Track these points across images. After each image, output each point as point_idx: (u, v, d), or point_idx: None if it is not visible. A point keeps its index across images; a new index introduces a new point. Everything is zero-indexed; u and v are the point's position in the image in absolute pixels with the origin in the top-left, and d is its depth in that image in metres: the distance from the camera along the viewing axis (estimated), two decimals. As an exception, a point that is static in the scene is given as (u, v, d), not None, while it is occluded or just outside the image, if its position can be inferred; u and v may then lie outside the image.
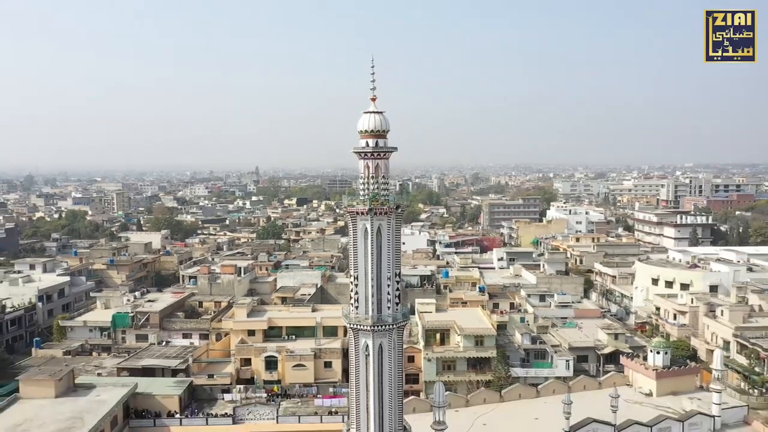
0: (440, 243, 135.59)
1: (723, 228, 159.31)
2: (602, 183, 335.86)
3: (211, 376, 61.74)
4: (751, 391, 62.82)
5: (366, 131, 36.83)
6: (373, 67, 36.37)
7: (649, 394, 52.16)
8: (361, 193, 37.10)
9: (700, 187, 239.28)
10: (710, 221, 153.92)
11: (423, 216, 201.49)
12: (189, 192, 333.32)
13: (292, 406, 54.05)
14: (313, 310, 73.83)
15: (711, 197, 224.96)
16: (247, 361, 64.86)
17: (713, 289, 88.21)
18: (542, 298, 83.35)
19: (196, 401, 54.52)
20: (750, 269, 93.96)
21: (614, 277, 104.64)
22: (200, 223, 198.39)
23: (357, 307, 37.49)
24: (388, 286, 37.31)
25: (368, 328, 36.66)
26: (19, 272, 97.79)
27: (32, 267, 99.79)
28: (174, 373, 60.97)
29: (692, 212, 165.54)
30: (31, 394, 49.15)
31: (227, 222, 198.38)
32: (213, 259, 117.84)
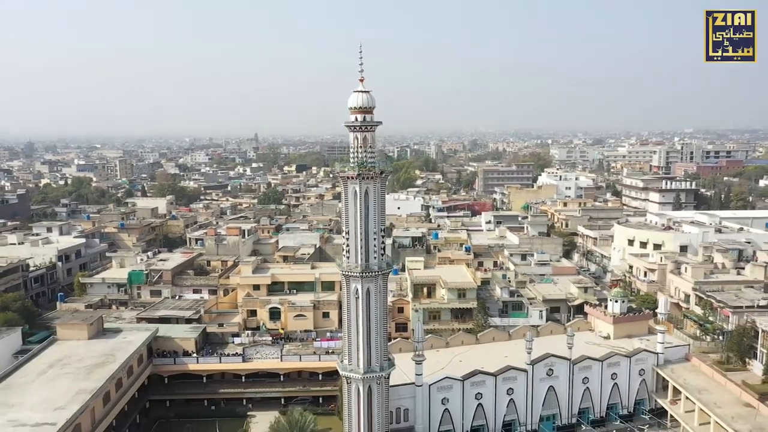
0: (433, 208, 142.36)
1: (708, 193, 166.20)
2: (598, 149, 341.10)
3: (221, 325, 69.40)
4: (704, 337, 70.54)
5: (355, 108, 43.51)
6: (361, 53, 42.92)
7: (607, 337, 59.61)
8: (351, 160, 43.91)
9: (692, 153, 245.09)
10: (693, 187, 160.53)
11: (419, 182, 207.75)
12: (190, 159, 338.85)
13: (294, 348, 61.69)
14: (312, 267, 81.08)
15: (701, 163, 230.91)
16: (253, 312, 72.48)
17: (683, 249, 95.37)
18: (523, 257, 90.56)
19: (209, 344, 62.13)
20: (719, 231, 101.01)
21: (595, 239, 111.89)
22: (203, 189, 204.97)
23: (348, 258, 44.71)
24: (374, 239, 44.43)
25: (358, 274, 43.93)
26: (37, 234, 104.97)
27: (49, 230, 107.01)
28: (188, 321, 68.46)
29: (677, 178, 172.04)
30: (67, 337, 56.71)
31: (229, 188, 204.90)
32: (217, 223, 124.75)
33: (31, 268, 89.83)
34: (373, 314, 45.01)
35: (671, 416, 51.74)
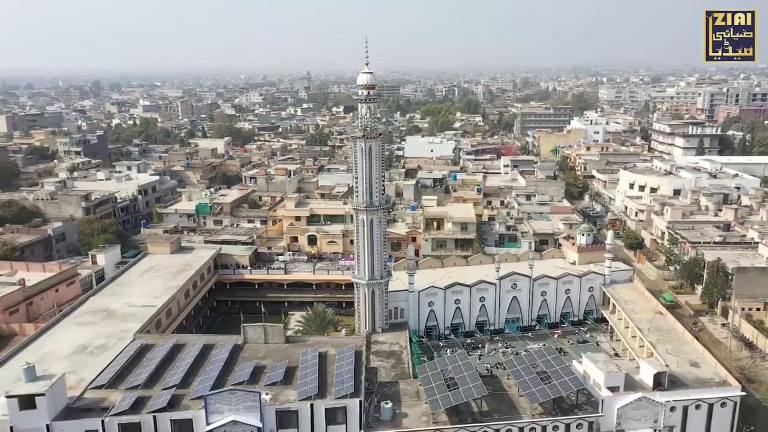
0: (462, 151, 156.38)
1: (735, 138, 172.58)
2: (647, 90, 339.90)
3: (269, 247, 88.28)
4: (670, 267, 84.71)
5: (362, 85, 59.22)
6: (366, 45, 57.72)
7: (573, 263, 74.74)
8: (359, 124, 59.87)
9: (737, 96, 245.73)
10: (719, 132, 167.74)
11: (457, 125, 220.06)
12: (245, 99, 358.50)
13: (324, 265, 79.93)
14: (344, 203, 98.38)
15: (745, 107, 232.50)
16: (294, 239, 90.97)
17: (677, 192, 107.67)
18: (528, 197, 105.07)
19: (259, 261, 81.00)
20: (714, 176, 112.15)
21: (605, 182, 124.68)
22: (256, 130, 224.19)
23: (357, 196, 61.40)
24: (376, 183, 60.89)
25: (363, 208, 60.69)
26: (119, 172, 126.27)
27: (129, 168, 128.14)
28: (244, 244, 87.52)
29: (705, 123, 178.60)
30: (156, 252, 76.50)
31: (279, 129, 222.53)
32: (268, 162, 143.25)
33: (118, 200, 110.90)
34: (375, 238, 62.00)
35: (610, 323, 67.37)
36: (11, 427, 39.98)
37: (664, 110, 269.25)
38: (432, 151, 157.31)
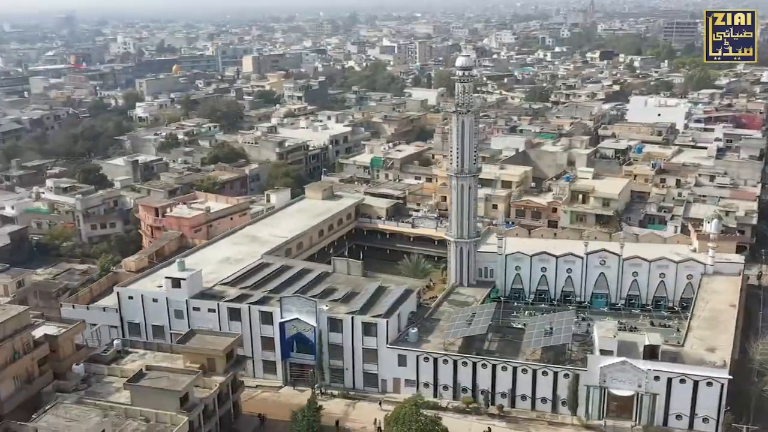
0: (692, 117, 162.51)
1: None
2: None
3: (418, 203, 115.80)
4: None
5: (459, 66, 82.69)
6: (466, 48, 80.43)
7: (694, 250, 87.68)
8: (458, 101, 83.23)
9: None
10: None
11: (724, 81, 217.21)
12: (494, 40, 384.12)
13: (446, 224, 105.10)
14: (501, 168, 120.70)
15: None
16: (444, 198, 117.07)
17: None
18: (711, 178, 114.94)
19: (399, 214, 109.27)
20: None
21: None
22: (484, 79, 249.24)
23: (452, 163, 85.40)
24: (468, 152, 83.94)
25: (455, 174, 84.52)
26: (320, 121, 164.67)
27: (329, 118, 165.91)
28: (397, 198, 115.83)
29: None
30: (311, 196, 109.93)
31: (505, 80, 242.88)
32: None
33: (310, 149, 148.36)
34: (465, 201, 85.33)
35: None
36: (167, 298, 74.98)
37: None
38: (659, 115, 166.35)
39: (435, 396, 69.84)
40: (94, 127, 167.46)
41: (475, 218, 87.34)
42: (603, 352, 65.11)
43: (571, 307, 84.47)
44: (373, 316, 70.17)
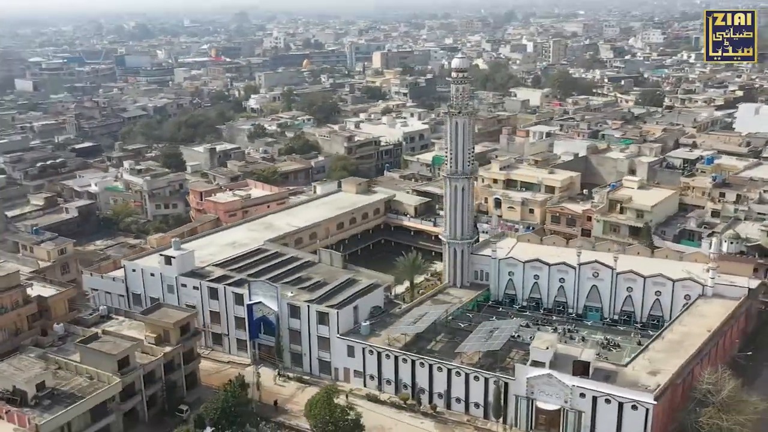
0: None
1: None
2: None
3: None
4: None
5: (454, 68, 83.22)
6: (462, 50, 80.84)
7: (707, 270, 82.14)
8: (453, 102, 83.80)
9: None
10: None
11: None
12: (639, 39, 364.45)
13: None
14: (550, 173, 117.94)
15: None
16: (485, 199, 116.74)
17: None
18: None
19: (428, 212, 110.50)
20: None
21: None
22: (604, 81, 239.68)
23: (446, 165, 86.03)
24: (462, 154, 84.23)
25: (449, 175, 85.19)
26: (404, 118, 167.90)
27: (412, 115, 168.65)
28: (439, 196, 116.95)
29: None
30: (346, 190, 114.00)
31: (622, 82, 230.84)
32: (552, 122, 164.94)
33: (382, 144, 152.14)
34: (459, 202, 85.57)
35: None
36: (161, 273, 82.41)
37: None
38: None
39: (379, 389, 71.83)
40: (198, 115, 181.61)
41: (471, 219, 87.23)
42: (534, 363, 64.03)
43: (558, 318, 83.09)
44: (327, 306, 73.17)
